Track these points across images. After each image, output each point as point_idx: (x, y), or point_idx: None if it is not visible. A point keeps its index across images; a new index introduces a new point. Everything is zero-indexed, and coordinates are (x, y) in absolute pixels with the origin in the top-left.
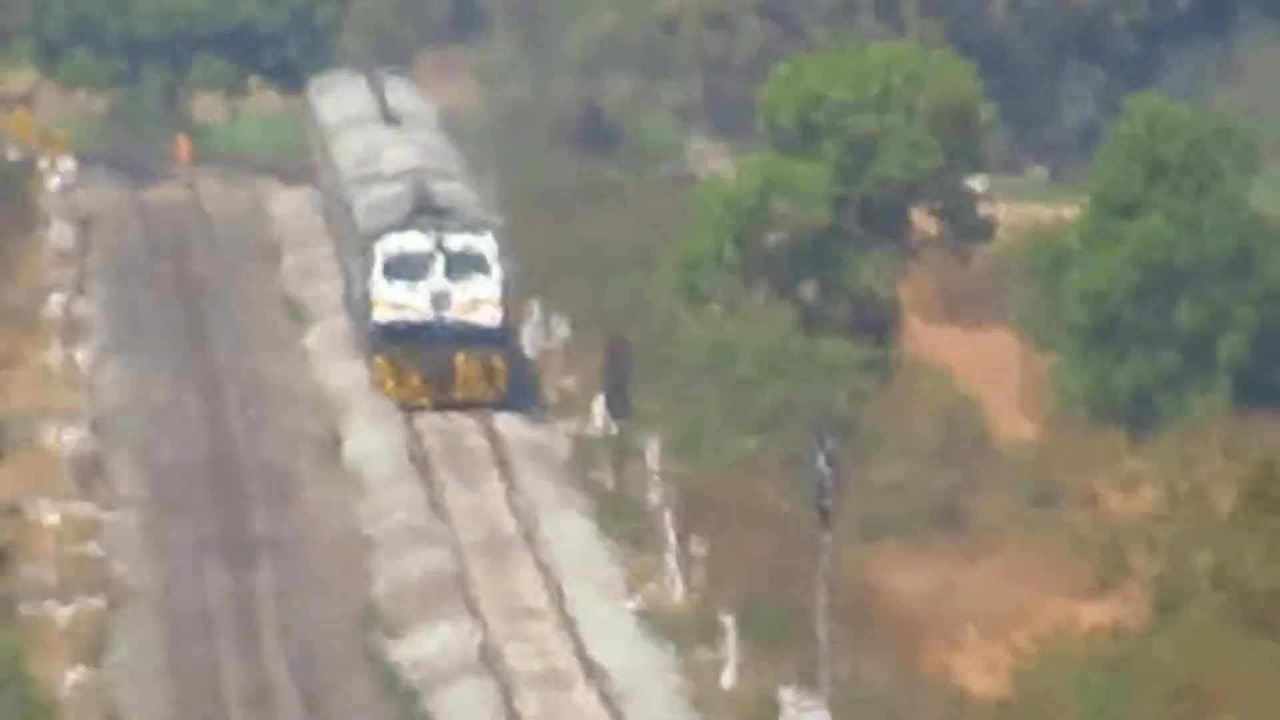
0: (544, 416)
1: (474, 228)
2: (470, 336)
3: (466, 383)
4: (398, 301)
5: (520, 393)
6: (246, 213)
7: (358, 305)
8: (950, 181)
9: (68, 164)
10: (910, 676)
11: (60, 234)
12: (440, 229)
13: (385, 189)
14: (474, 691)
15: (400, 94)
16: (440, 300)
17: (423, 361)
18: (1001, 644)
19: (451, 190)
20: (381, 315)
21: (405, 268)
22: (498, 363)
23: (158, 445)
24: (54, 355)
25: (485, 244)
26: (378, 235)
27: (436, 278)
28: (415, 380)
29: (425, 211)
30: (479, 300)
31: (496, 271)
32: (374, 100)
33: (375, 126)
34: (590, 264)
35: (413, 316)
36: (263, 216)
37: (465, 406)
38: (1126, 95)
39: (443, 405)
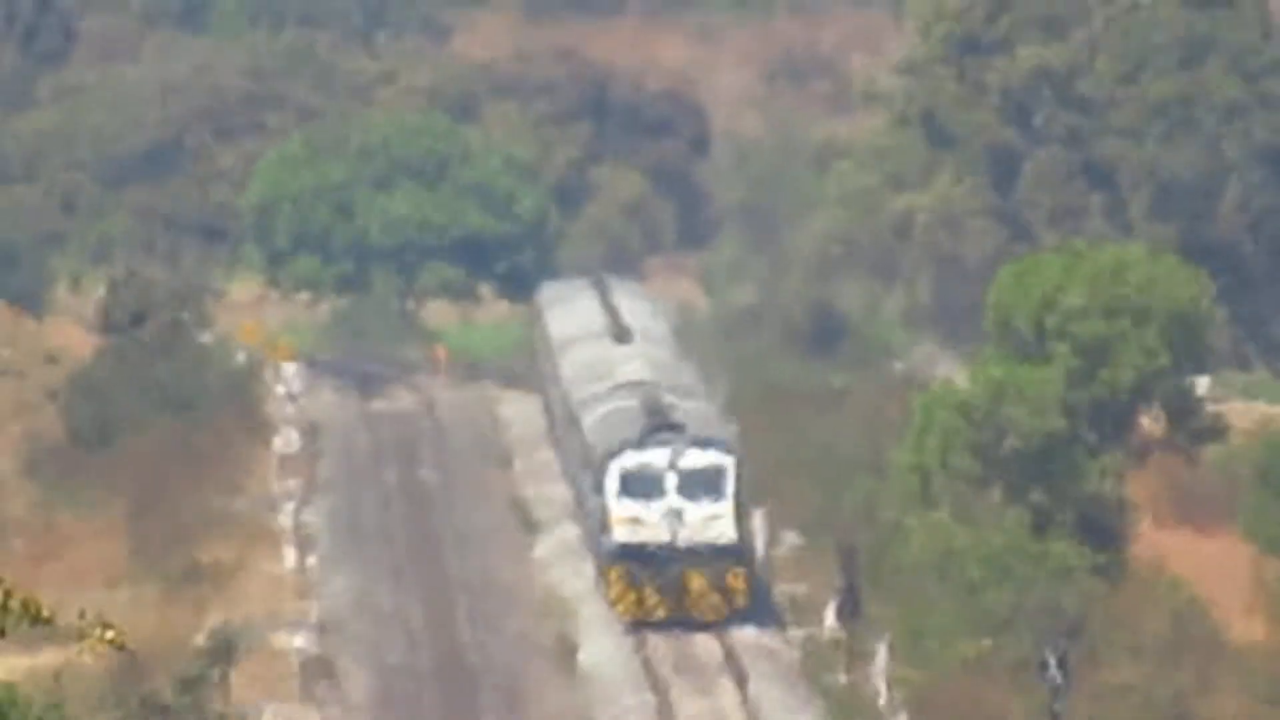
0: (775, 623)
1: (709, 443)
2: (705, 554)
3: (700, 600)
4: (633, 519)
5: (751, 599)
6: (478, 417)
7: (591, 522)
8: (1178, 384)
9: (294, 370)
10: None
11: (287, 441)
12: (675, 445)
13: (618, 403)
14: None
15: (630, 303)
16: (675, 518)
17: (658, 579)
18: None
19: (685, 405)
20: (618, 534)
21: (640, 485)
22: (733, 580)
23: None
24: (283, 564)
25: (720, 459)
26: (612, 453)
27: (671, 495)
28: (650, 598)
29: (660, 428)
30: (714, 517)
31: (731, 487)
32: (604, 313)
33: (607, 340)
34: (820, 467)
35: (648, 535)
36: (493, 420)
37: (700, 625)
38: None
39: (677, 622)
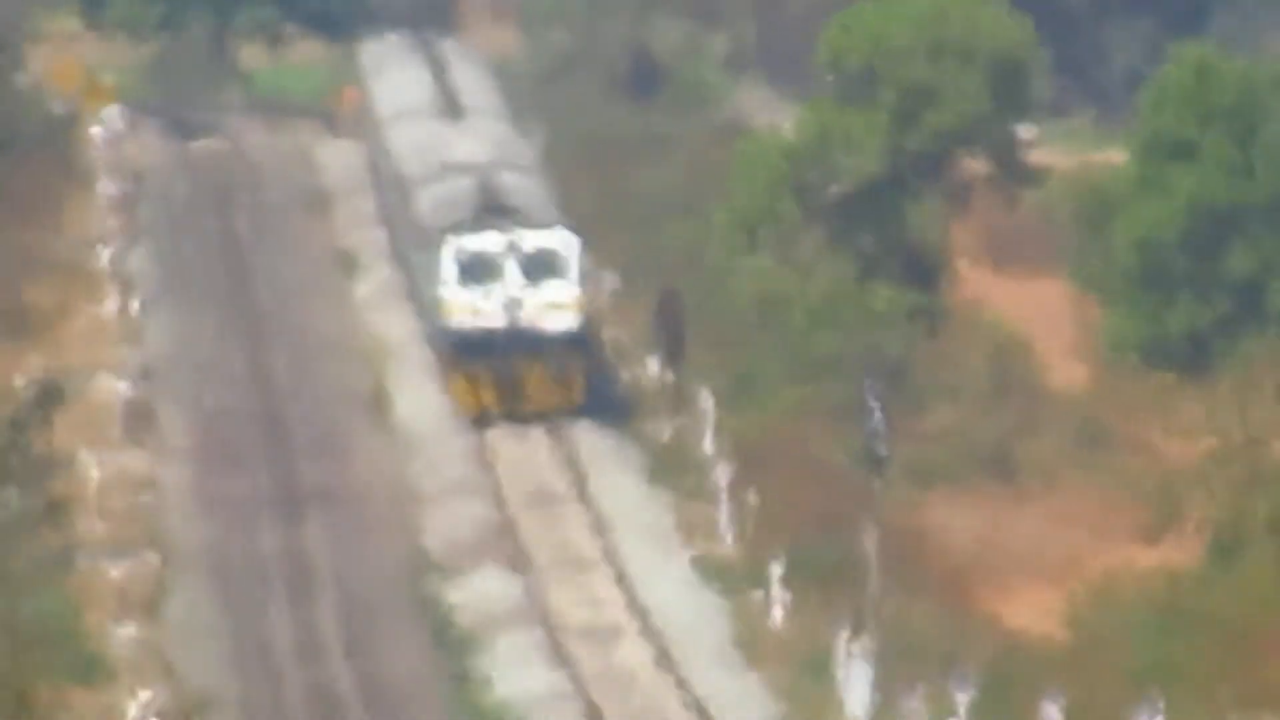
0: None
1: (550, 226)
2: (545, 343)
3: (538, 393)
4: (470, 306)
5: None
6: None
7: (427, 310)
8: (1000, 129)
9: (114, 114)
10: (960, 621)
11: (107, 186)
12: (514, 228)
13: (452, 184)
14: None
15: (461, 70)
16: (513, 305)
17: (495, 370)
18: (1053, 588)
19: (523, 186)
20: (454, 322)
21: (477, 270)
22: (574, 373)
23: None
24: (105, 308)
25: (562, 242)
26: (447, 236)
27: (510, 281)
28: (487, 390)
29: (498, 210)
30: (556, 304)
31: (574, 272)
32: (435, 84)
33: (439, 116)
34: (640, 214)
35: (485, 323)
36: (311, 167)
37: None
38: (1173, 43)
39: (515, 416)
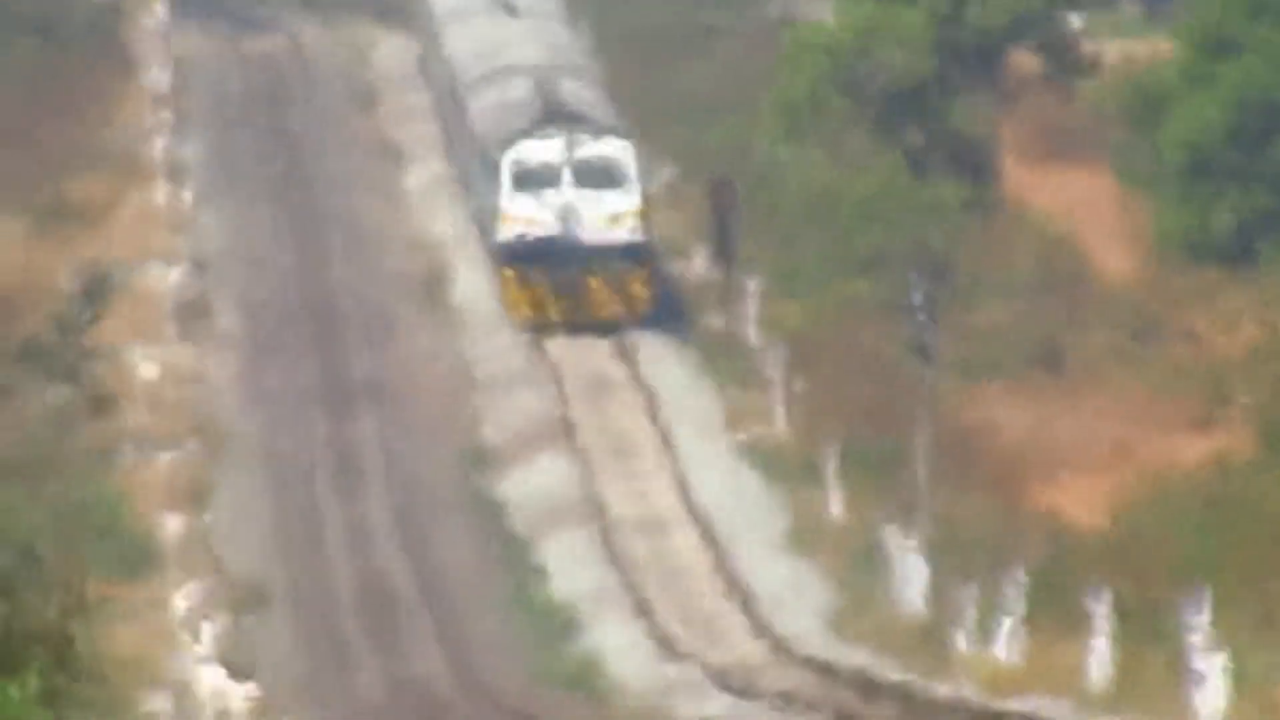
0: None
1: (610, 132)
2: (606, 253)
3: (600, 303)
4: (527, 216)
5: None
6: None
7: (483, 218)
8: (1050, 20)
9: (160, 3)
10: (1009, 513)
11: (156, 78)
12: (573, 134)
13: (509, 88)
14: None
15: None
16: (572, 215)
17: (554, 280)
18: (1102, 480)
19: (581, 90)
20: (510, 232)
21: (535, 179)
22: (637, 283)
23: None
24: (155, 198)
25: (622, 149)
26: (505, 144)
27: (568, 189)
28: (546, 300)
29: (556, 116)
30: (617, 214)
31: (636, 180)
32: None
33: (495, 15)
34: (690, 108)
35: (543, 232)
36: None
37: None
38: None
39: (575, 327)
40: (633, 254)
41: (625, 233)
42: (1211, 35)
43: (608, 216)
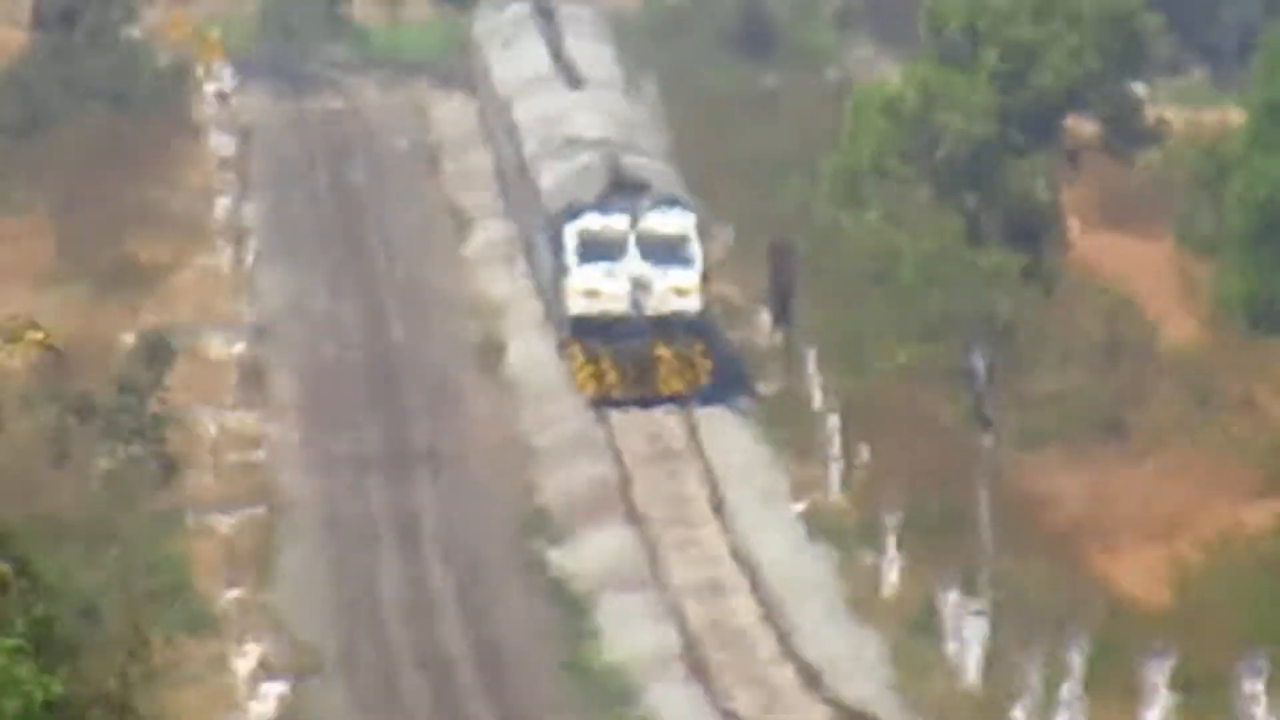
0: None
1: (674, 204)
2: (671, 326)
3: (667, 375)
4: (593, 289)
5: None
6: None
7: (548, 289)
8: (1112, 87)
9: (224, 69)
10: (1070, 581)
11: (220, 141)
12: (638, 206)
13: (576, 160)
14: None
15: (579, 39)
16: (639, 287)
17: (620, 353)
18: (1163, 548)
19: (645, 161)
20: (576, 305)
21: (601, 250)
22: (699, 354)
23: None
24: (218, 261)
25: (686, 221)
26: (570, 215)
27: (634, 262)
28: (612, 373)
29: (622, 188)
30: (681, 286)
31: (698, 252)
32: (552, 55)
33: (558, 88)
34: (751, 171)
35: (609, 306)
36: (425, 123)
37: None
38: None
39: (642, 402)
40: (696, 327)
41: (689, 305)
42: (1278, 101)
43: (672, 289)
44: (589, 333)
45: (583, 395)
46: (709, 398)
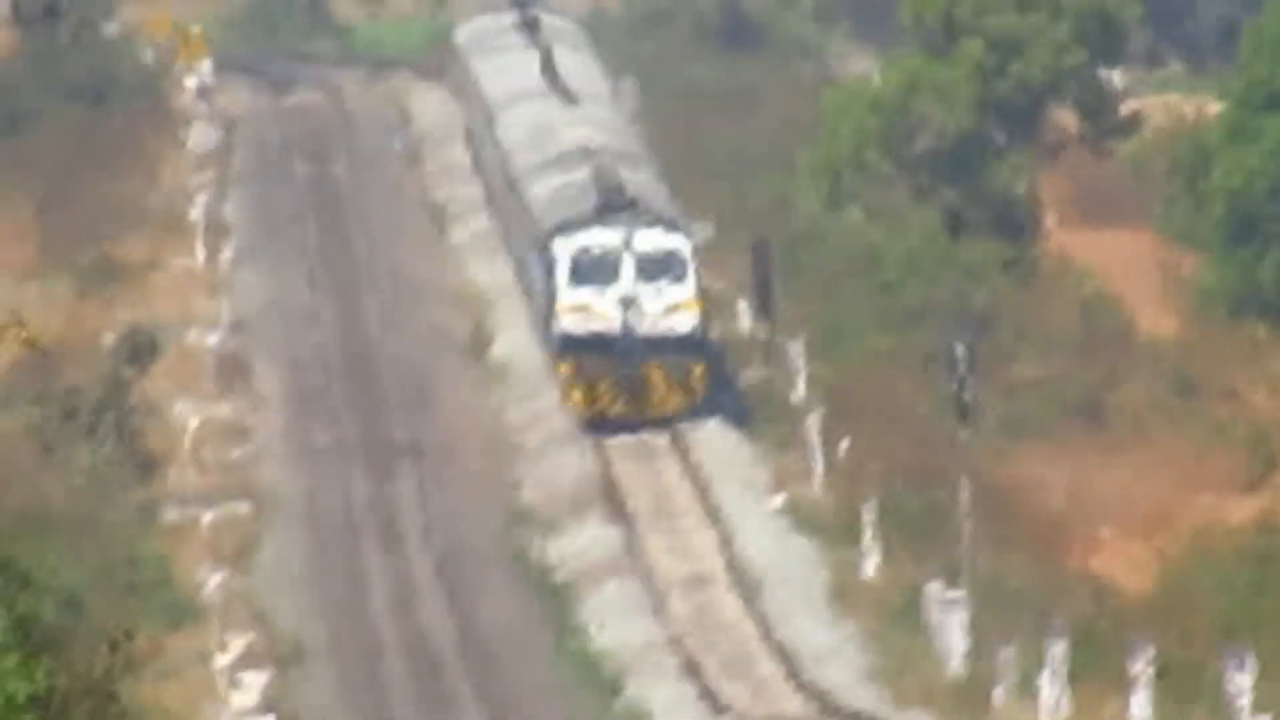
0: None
1: (668, 222)
2: (664, 346)
3: (661, 399)
4: (585, 307)
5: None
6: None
7: (538, 308)
8: (1091, 79)
9: (205, 66)
10: (1051, 572)
11: (201, 138)
12: (631, 224)
13: (566, 176)
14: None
15: (568, 52)
16: (631, 306)
17: (613, 373)
18: (1144, 539)
19: (638, 178)
20: (567, 324)
21: (593, 269)
22: (694, 374)
23: (298, 345)
24: (197, 258)
25: (680, 238)
26: (561, 232)
27: (627, 280)
28: (605, 394)
29: (615, 205)
30: (675, 305)
31: (693, 269)
32: (542, 69)
33: (549, 102)
34: (731, 166)
35: (601, 325)
36: (406, 119)
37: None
38: None
39: (635, 423)
40: (690, 346)
41: (683, 324)
42: (1258, 91)
43: (666, 308)
44: (581, 352)
45: (579, 421)
46: None
